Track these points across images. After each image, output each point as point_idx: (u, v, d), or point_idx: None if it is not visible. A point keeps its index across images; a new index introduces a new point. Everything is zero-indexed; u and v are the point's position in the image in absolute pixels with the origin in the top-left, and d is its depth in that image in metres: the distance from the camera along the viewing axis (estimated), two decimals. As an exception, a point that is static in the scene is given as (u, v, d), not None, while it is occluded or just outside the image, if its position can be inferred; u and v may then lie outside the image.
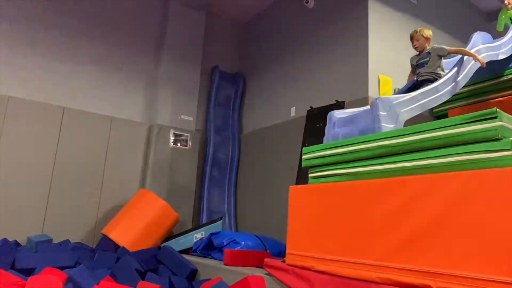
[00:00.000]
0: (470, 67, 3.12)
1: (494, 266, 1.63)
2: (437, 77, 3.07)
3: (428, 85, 3.00)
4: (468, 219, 1.75)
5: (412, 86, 3.17)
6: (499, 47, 3.48)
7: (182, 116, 5.35)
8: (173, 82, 5.32)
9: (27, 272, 2.96)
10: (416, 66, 3.28)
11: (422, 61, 3.24)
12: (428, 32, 3.25)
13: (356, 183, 2.35)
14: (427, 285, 1.81)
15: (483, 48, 3.32)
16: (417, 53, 3.28)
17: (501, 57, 3.46)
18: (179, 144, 5.23)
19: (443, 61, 3.18)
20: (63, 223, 4.34)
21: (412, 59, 3.34)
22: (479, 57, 3.09)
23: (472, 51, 3.16)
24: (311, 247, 2.49)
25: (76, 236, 4.37)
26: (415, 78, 3.23)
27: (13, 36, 4.46)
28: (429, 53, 3.19)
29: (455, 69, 3.03)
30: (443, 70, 3.14)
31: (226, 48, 6.13)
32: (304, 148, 2.84)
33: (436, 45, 3.19)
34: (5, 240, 3.41)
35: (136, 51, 5.29)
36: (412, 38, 3.29)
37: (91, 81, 4.90)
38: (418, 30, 3.29)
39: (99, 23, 5.05)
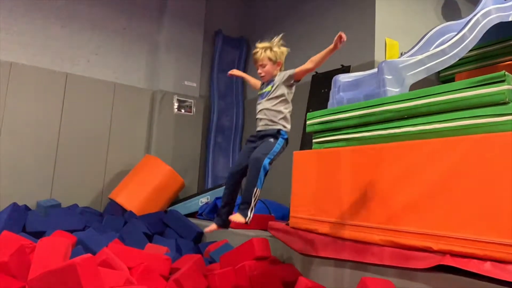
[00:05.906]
0: (479, 30, 3.04)
1: (495, 228, 1.65)
2: (280, 130, 2.12)
3: (268, 141, 2.04)
4: (473, 183, 1.76)
5: None
6: (510, 8, 3.38)
7: (186, 82, 5.30)
8: (175, 47, 5.24)
9: (38, 235, 3.04)
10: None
11: (262, 91, 2.24)
12: (276, 52, 2.13)
13: (360, 148, 2.35)
14: (428, 247, 1.84)
15: (493, 9, 3.21)
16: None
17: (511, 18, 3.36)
18: (183, 111, 5.21)
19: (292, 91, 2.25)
20: (71, 188, 4.41)
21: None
22: (339, 45, 2.00)
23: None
24: (315, 210, 2.52)
25: (83, 201, 4.45)
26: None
27: (12, 0, 4.36)
28: (272, 80, 2.21)
29: (463, 31, 2.95)
30: (286, 110, 2.16)
31: (229, 12, 5.98)
32: (308, 113, 2.83)
33: (284, 71, 2.20)
34: (15, 204, 3.47)
35: (138, 15, 5.17)
36: (255, 62, 2.20)
37: (92, 46, 4.83)
38: (260, 47, 2.14)
39: (99, -14, 4.92)
